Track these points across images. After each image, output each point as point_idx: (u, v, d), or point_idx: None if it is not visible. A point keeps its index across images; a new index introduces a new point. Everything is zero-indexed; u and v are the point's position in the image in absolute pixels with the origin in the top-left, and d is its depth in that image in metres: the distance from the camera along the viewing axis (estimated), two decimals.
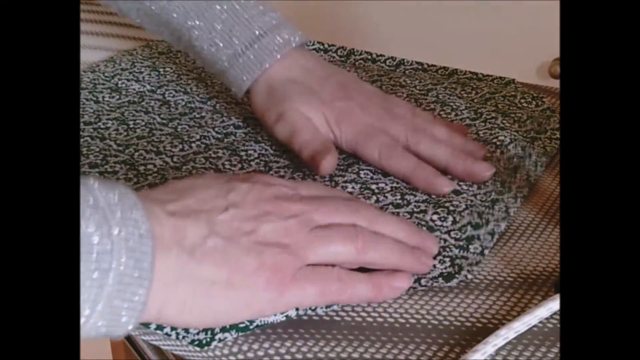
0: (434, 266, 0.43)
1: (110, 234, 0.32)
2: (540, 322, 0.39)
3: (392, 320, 0.39)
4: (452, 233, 0.46)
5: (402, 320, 0.39)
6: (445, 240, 0.45)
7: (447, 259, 0.43)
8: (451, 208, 0.48)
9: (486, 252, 0.44)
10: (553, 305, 0.39)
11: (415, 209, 0.48)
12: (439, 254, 0.44)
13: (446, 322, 0.39)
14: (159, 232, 0.35)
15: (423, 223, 0.46)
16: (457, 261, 0.43)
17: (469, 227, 0.46)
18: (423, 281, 0.42)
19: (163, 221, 0.35)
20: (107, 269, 0.31)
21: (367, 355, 0.37)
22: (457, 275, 0.42)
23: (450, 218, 0.47)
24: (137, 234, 0.33)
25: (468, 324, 0.39)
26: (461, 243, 0.45)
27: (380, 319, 0.39)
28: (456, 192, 0.51)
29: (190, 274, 0.35)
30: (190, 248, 0.35)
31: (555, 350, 0.37)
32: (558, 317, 0.40)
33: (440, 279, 0.42)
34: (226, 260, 0.36)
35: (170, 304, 0.35)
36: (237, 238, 0.37)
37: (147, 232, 0.33)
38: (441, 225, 0.46)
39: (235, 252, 0.36)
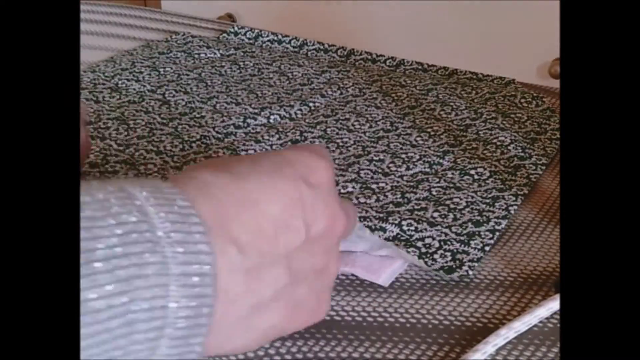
0: (435, 260, 0.43)
1: (168, 287, 0.25)
2: (541, 322, 0.39)
3: (392, 320, 0.39)
4: (452, 228, 0.46)
5: (402, 320, 0.39)
6: (446, 235, 0.45)
7: (449, 253, 0.44)
8: (452, 206, 0.48)
9: (487, 248, 0.45)
10: (553, 305, 0.39)
11: (415, 207, 0.48)
12: (440, 247, 0.44)
13: (446, 322, 0.39)
14: (225, 283, 0.27)
15: (424, 220, 0.47)
16: (458, 256, 0.43)
17: (469, 224, 0.47)
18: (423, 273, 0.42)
19: (234, 271, 0.28)
20: (160, 327, 0.25)
21: (367, 355, 0.37)
22: (458, 270, 0.42)
23: (451, 215, 0.47)
24: (197, 285, 0.26)
25: (468, 324, 0.39)
26: (462, 238, 0.45)
27: (380, 319, 0.39)
28: (457, 188, 0.51)
29: (251, 326, 0.30)
30: (258, 301, 0.29)
31: (555, 350, 0.37)
32: (558, 317, 0.40)
33: (441, 272, 0.42)
34: (290, 305, 0.31)
35: (216, 351, 0.30)
36: (308, 279, 0.32)
37: (210, 277, 0.26)
38: (442, 221, 0.47)
39: (302, 294, 0.31)
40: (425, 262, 0.43)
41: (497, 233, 0.46)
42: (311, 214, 0.30)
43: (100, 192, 0.25)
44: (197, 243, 0.26)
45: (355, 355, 0.37)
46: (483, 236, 0.46)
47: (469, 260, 0.43)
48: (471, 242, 0.45)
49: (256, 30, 0.84)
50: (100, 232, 0.24)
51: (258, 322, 0.30)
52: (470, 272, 0.42)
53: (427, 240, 0.45)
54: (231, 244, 0.28)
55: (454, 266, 0.43)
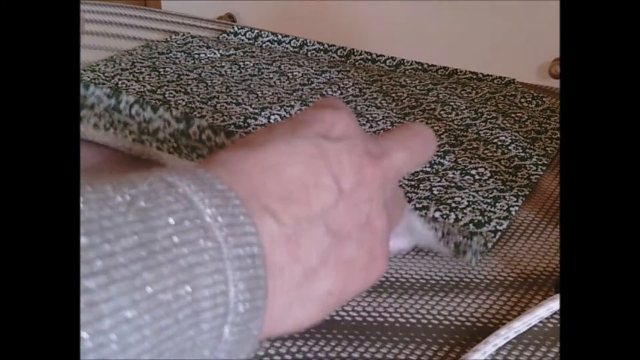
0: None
1: (225, 269, 0.25)
2: (541, 322, 0.39)
3: (392, 320, 0.39)
4: (455, 225, 0.46)
5: (402, 320, 0.39)
6: (449, 229, 0.46)
7: (452, 244, 0.44)
8: (453, 205, 0.49)
9: (489, 245, 0.45)
10: (553, 305, 0.39)
11: (417, 206, 0.48)
12: (443, 237, 0.44)
13: (446, 322, 0.39)
14: (270, 256, 0.27)
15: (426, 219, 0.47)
16: (462, 247, 0.44)
17: (471, 225, 0.47)
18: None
19: (275, 242, 0.27)
20: (224, 314, 0.25)
21: (367, 355, 0.37)
22: (462, 255, 0.43)
23: (453, 215, 0.47)
24: (251, 267, 0.25)
25: (468, 323, 0.39)
26: (465, 234, 0.45)
27: (380, 319, 0.39)
28: (458, 188, 0.51)
29: (307, 297, 0.29)
30: (307, 268, 0.28)
31: (555, 350, 0.37)
32: (558, 317, 0.40)
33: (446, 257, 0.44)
34: (340, 266, 0.30)
35: (281, 327, 0.29)
36: (352, 235, 0.30)
37: (261, 257, 0.26)
38: (444, 222, 0.47)
39: (350, 251, 0.30)
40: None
41: (499, 233, 0.46)
42: (337, 168, 0.30)
43: (143, 184, 0.25)
44: (243, 225, 0.26)
45: (355, 355, 0.37)
46: (485, 235, 0.46)
47: (473, 251, 0.43)
48: (474, 237, 0.45)
49: (256, 30, 0.84)
50: (156, 223, 0.24)
51: (312, 291, 0.29)
52: (474, 262, 0.43)
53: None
54: (267, 215, 0.27)
55: (457, 252, 0.43)
